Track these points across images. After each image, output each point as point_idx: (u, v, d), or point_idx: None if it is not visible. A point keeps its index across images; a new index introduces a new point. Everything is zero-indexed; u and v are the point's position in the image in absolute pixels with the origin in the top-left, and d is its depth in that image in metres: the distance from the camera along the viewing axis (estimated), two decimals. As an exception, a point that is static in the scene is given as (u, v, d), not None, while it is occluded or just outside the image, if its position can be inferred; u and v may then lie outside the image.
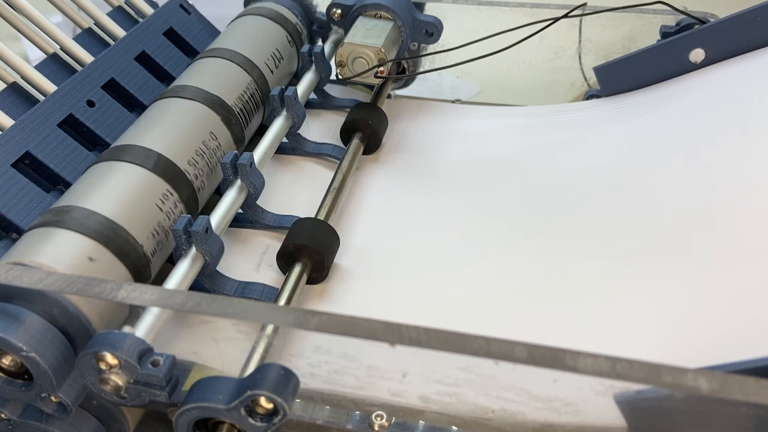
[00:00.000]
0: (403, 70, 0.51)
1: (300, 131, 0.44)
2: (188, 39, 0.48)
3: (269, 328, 0.29)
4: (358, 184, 0.43)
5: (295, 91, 0.41)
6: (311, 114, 0.47)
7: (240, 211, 0.37)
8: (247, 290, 0.34)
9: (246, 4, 0.51)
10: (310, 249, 0.34)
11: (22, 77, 0.39)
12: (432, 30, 0.47)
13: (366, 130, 0.44)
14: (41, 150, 0.36)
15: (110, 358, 0.24)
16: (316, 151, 0.44)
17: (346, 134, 0.44)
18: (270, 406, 0.24)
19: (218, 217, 0.34)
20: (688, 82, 0.42)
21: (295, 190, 0.42)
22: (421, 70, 0.51)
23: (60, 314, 0.26)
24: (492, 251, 0.37)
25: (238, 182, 0.36)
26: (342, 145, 0.44)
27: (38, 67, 0.40)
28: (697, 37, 0.42)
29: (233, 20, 0.48)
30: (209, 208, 0.35)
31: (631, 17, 0.48)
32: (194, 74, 0.41)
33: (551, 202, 0.39)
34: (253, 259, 0.37)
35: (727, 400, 0.20)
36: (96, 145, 0.39)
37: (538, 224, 0.38)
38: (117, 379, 0.25)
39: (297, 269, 0.34)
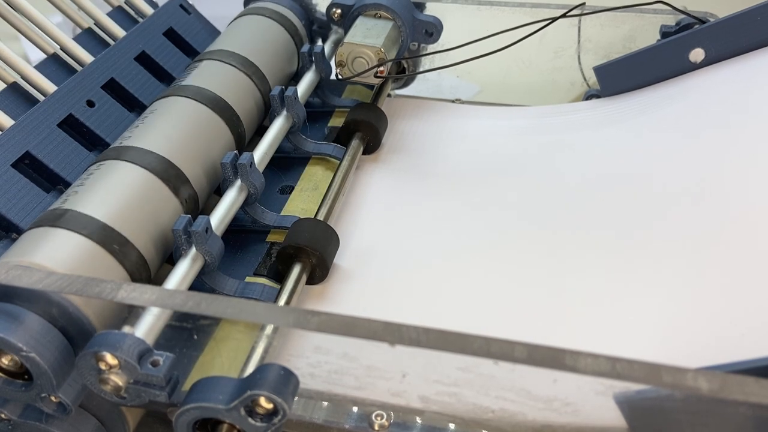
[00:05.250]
0: (403, 70, 0.51)
1: (300, 131, 0.44)
2: (188, 39, 0.48)
3: (269, 328, 0.29)
4: (358, 184, 0.43)
5: (295, 91, 0.41)
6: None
7: (240, 211, 0.37)
8: (247, 290, 0.34)
9: (246, 4, 0.51)
10: (310, 249, 0.34)
11: (22, 77, 0.39)
12: (432, 30, 0.47)
13: (366, 130, 0.44)
14: (41, 150, 0.36)
15: (110, 358, 0.24)
16: (316, 151, 0.44)
17: (346, 134, 0.44)
18: (270, 406, 0.24)
19: (218, 217, 0.34)
20: (688, 82, 0.42)
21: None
22: (421, 69, 0.51)
23: (60, 314, 0.26)
24: (491, 251, 0.37)
25: (238, 182, 0.36)
26: (342, 145, 0.44)
27: (38, 67, 0.40)
28: (697, 37, 0.42)
29: (233, 20, 0.48)
30: (209, 208, 0.35)
31: (630, 17, 0.48)
32: (195, 74, 0.41)
33: (551, 203, 0.39)
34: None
35: (727, 400, 0.20)
36: (96, 145, 0.39)
37: (537, 224, 0.38)
38: (117, 379, 0.25)
39: (296, 269, 0.34)
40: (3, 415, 0.28)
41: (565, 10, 0.44)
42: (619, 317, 0.32)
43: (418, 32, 0.47)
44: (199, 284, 0.32)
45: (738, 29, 0.40)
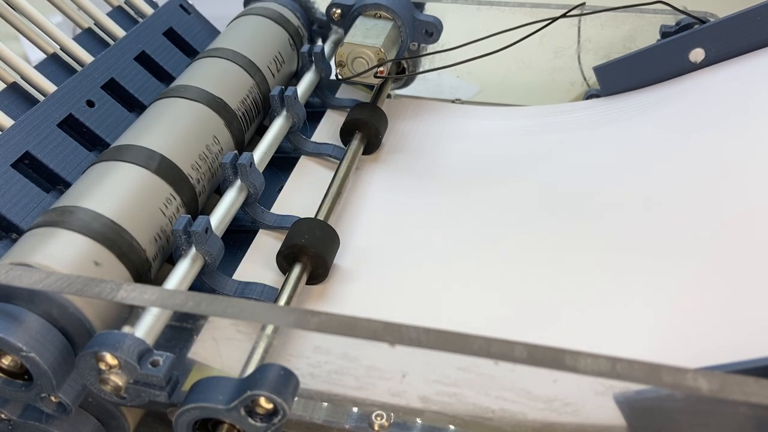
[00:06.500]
0: (402, 70, 0.51)
1: (299, 131, 0.44)
2: (188, 39, 0.48)
3: (269, 328, 0.29)
4: (358, 184, 0.43)
5: (295, 91, 0.41)
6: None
7: (240, 211, 0.37)
8: (246, 290, 0.34)
9: (246, 4, 0.51)
10: (310, 249, 0.34)
11: (22, 77, 0.39)
12: (432, 30, 0.47)
13: (366, 130, 0.44)
14: (41, 150, 0.36)
15: (110, 359, 0.24)
16: (316, 151, 0.44)
17: (346, 134, 0.44)
18: (270, 406, 0.24)
19: (218, 217, 0.34)
20: (688, 82, 0.42)
21: (295, 191, 0.42)
22: (421, 69, 0.51)
23: (60, 314, 0.26)
24: (491, 251, 0.37)
25: (238, 182, 0.36)
26: (342, 145, 0.44)
27: (38, 67, 0.40)
28: (696, 37, 0.42)
29: (233, 20, 0.48)
30: (209, 208, 0.35)
31: (630, 17, 0.48)
32: (194, 74, 0.41)
33: (551, 203, 0.39)
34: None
35: (726, 400, 0.20)
36: (96, 145, 0.39)
37: (537, 224, 0.38)
38: (117, 379, 0.25)
39: (297, 269, 0.34)
40: (3, 415, 0.28)
41: (565, 10, 0.44)
42: (619, 317, 0.32)
43: (418, 32, 0.47)
44: (199, 284, 0.32)
45: (738, 29, 0.40)
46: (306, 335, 0.25)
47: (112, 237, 0.30)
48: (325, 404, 0.28)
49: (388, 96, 0.50)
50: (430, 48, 0.48)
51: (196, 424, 0.25)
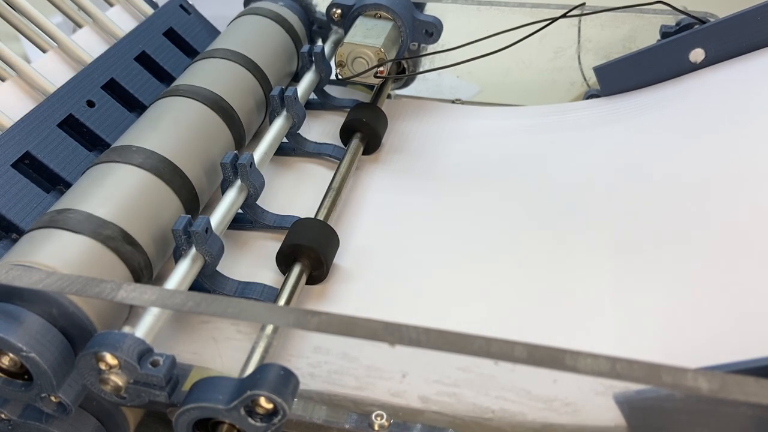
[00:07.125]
0: (403, 70, 0.51)
1: (300, 131, 0.44)
2: (188, 39, 0.48)
3: (269, 328, 0.29)
4: (358, 184, 0.43)
5: (295, 91, 0.41)
6: (311, 114, 0.47)
7: (240, 211, 0.37)
8: (246, 290, 0.34)
9: (246, 4, 0.51)
10: (310, 249, 0.34)
11: (22, 77, 0.39)
12: (432, 30, 0.47)
13: (366, 130, 0.44)
14: (41, 150, 0.36)
15: (110, 359, 0.24)
16: (316, 151, 0.44)
17: (346, 134, 0.44)
18: (270, 406, 0.24)
19: (218, 217, 0.34)
20: (688, 82, 0.42)
21: (295, 191, 0.42)
22: (421, 70, 0.51)
23: (60, 314, 0.26)
24: (491, 250, 0.37)
25: (238, 182, 0.36)
26: (342, 145, 0.44)
27: (38, 67, 0.40)
28: (696, 37, 0.42)
29: (233, 20, 0.48)
30: (209, 207, 0.35)
31: (630, 17, 0.48)
32: (195, 74, 0.41)
33: (551, 202, 0.39)
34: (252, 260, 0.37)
35: (726, 400, 0.20)
36: (96, 145, 0.39)
37: (537, 224, 0.38)
38: (117, 379, 0.25)
39: (297, 269, 0.34)
40: (3, 415, 0.28)
41: (565, 10, 0.44)
42: (619, 317, 0.32)
43: (418, 32, 0.47)
44: (199, 284, 0.32)
45: (738, 29, 0.40)
46: (306, 335, 0.25)
47: (112, 237, 0.30)
48: (325, 404, 0.28)
49: (388, 96, 0.50)
50: (430, 48, 0.48)
51: (195, 423, 0.25)
